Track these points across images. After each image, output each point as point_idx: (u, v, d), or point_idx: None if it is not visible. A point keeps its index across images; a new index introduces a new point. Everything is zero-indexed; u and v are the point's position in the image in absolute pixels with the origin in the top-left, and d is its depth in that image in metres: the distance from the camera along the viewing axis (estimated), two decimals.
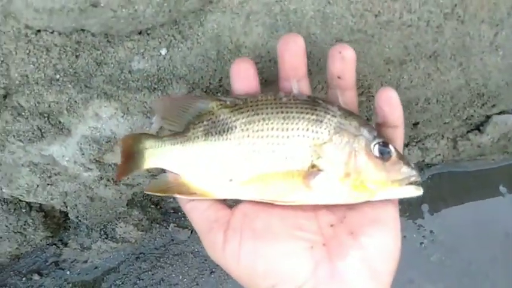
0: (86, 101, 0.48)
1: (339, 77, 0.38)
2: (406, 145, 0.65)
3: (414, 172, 0.37)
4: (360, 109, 0.51)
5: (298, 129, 0.37)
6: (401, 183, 0.36)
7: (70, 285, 0.69)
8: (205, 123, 0.39)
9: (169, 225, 0.70)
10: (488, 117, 0.63)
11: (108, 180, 0.57)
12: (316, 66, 0.49)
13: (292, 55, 0.38)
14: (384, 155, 0.36)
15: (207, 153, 0.38)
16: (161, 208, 0.70)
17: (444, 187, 0.68)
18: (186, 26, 0.45)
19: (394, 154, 0.36)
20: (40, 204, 0.61)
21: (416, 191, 0.37)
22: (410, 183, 0.37)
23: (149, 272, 0.69)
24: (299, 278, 0.33)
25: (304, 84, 0.40)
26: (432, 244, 0.65)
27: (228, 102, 0.39)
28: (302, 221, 0.37)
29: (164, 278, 0.68)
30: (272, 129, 0.37)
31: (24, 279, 0.70)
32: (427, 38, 0.49)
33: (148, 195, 0.66)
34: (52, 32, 0.43)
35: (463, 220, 0.66)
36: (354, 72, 0.39)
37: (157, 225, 0.70)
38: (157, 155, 0.40)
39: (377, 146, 0.36)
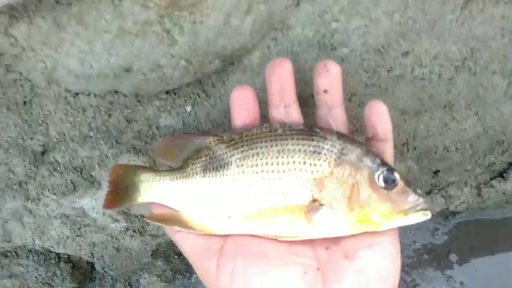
0: (117, 155, 0.51)
1: (325, 91, 0.38)
2: (428, 193, 0.65)
3: (421, 200, 0.35)
4: None
5: (294, 162, 0.36)
6: (407, 212, 0.35)
7: None
8: (203, 158, 0.39)
9: (192, 276, 0.71)
10: (510, 164, 0.62)
11: (134, 231, 0.59)
12: None
13: (279, 79, 0.38)
14: (389, 183, 0.35)
15: (205, 190, 0.38)
16: (184, 259, 0.71)
17: (471, 236, 0.66)
18: (210, 85, 0.49)
19: (399, 182, 0.35)
20: (68, 255, 0.63)
21: (424, 217, 0.35)
22: (418, 211, 0.35)
23: None
24: None
25: (294, 110, 0.40)
26: None
27: (224, 138, 0.39)
28: (297, 245, 0.36)
29: None
30: (267, 164, 0.36)
31: None
32: (440, 90, 0.50)
33: (172, 246, 0.67)
34: (89, 95, 0.47)
35: (494, 270, 0.63)
36: (341, 88, 0.39)
37: (181, 276, 0.70)
38: (154, 190, 0.40)
39: (382, 175, 0.35)
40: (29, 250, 0.60)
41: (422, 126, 0.54)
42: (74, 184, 0.52)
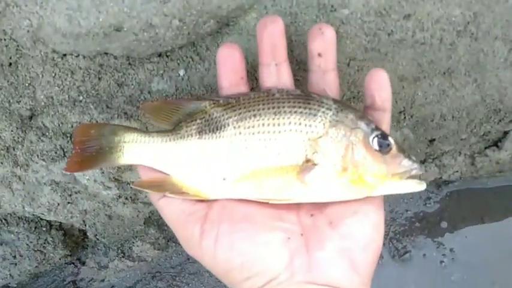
0: (107, 120, 0.50)
1: (319, 55, 0.38)
2: (422, 162, 0.65)
3: (416, 165, 0.35)
4: None
5: (290, 123, 0.36)
6: (402, 176, 0.35)
7: None
8: (198, 121, 0.38)
9: None
10: (506, 133, 0.62)
11: (126, 198, 0.58)
12: None
13: (270, 36, 0.37)
14: (383, 147, 0.35)
15: (200, 151, 0.37)
16: None
17: (463, 204, 0.67)
18: (204, 48, 0.47)
19: (394, 147, 0.35)
20: (60, 222, 0.62)
21: (419, 186, 0.35)
22: (412, 177, 0.35)
23: None
24: (274, 270, 0.33)
25: (285, 69, 0.39)
26: (453, 263, 0.64)
27: (221, 101, 0.38)
28: (282, 210, 0.36)
29: None
30: (263, 125, 0.36)
31: None
32: (440, 56, 0.49)
33: None
34: (77, 56, 0.45)
35: (484, 238, 0.65)
36: (335, 52, 0.38)
37: (174, 244, 0.70)
38: (143, 151, 0.38)
39: (376, 138, 0.35)
40: (19, 217, 0.59)
41: (421, 94, 0.53)
42: (63, 150, 0.51)
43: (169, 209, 0.38)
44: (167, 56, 0.48)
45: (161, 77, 0.49)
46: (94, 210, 0.59)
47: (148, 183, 0.39)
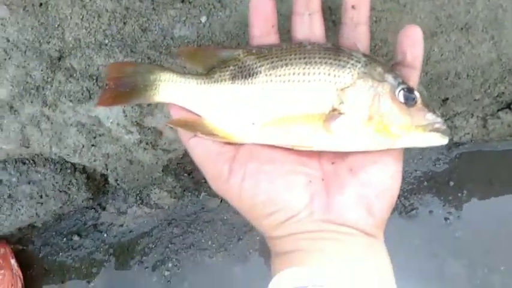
0: None
1: (353, 7, 0.38)
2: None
3: (440, 119, 0.36)
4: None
5: (319, 73, 0.37)
6: (425, 128, 0.36)
7: (107, 246, 0.74)
8: (231, 68, 0.39)
9: (200, 194, 0.74)
10: None
11: (147, 143, 0.61)
12: None
13: None
14: (409, 101, 0.36)
15: (232, 96, 0.39)
16: (193, 178, 0.74)
17: (472, 166, 0.68)
18: None
19: (419, 100, 0.36)
20: (83, 166, 0.66)
21: (442, 139, 0.36)
22: (436, 131, 0.36)
23: (180, 237, 0.72)
24: (294, 208, 0.36)
25: (317, 19, 0.40)
26: (458, 220, 0.65)
27: (254, 51, 0.40)
28: (304, 157, 0.38)
29: (194, 243, 0.72)
30: (294, 73, 0.37)
31: (65, 239, 0.75)
32: (459, 10, 0.50)
33: (182, 163, 0.70)
34: None
35: (490, 199, 0.66)
36: (369, 5, 0.39)
37: (189, 194, 0.73)
38: (178, 91, 0.40)
39: (402, 91, 0.36)
40: (45, 159, 0.63)
41: (437, 50, 0.54)
42: (89, 92, 0.53)
43: (199, 148, 0.40)
44: (190, 3, 0.49)
45: (183, 23, 0.50)
46: (116, 154, 0.62)
47: (181, 122, 0.40)
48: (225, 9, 0.49)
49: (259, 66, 0.39)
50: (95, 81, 0.53)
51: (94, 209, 0.75)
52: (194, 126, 0.40)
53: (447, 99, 0.62)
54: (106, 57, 0.51)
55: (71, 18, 0.48)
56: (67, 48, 0.51)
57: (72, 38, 0.50)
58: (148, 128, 0.59)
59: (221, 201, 0.73)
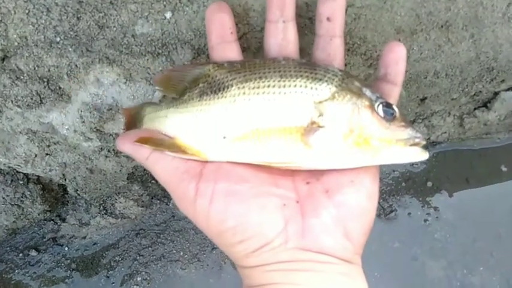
0: (87, 65, 0.47)
1: (328, 19, 0.37)
2: (412, 122, 0.64)
3: (419, 134, 0.35)
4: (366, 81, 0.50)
5: (295, 86, 0.36)
6: (406, 143, 0.35)
7: (68, 261, 0.68)
8: (200, 85, 0.39)
9: (169, 202, 0.69)
10: (496, 93, 0.62)
11: (108, 151, 0.56)
12: None
13: None
14: (388, 115, 0.35)
15: (200, 112, 0.38)
16: (161, 184, 0.69)
17: (449, 165, 0.67)
18: None
19: (398, 115, 0.35)
20: (38, 176, 0.60)
21: (422, 154, 0.35)
22: (416, 145, 0.35)
23: (149, 248, 0.68)
24: (268, 235, 0.33)
25: (291, 28, 0.38)
26: (436, 221, 0.65)
27: (225, 65, 0.38)
28: (277, 176, 0.36)
29: (165, 254, 0.67)
30: (269, 86, 0.36)
31: (21, 255, 0.69)
32: (439, 7, 0.47)
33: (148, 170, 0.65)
34: None
35: (468, 198, 0.66)
36: (343, 18, 0.38)
37: (158, 201, 0.69)
38: (153, 119, 0.41)
39: (381, 105, 0.35)
40: None
41: (416, 48, 0.52)
42: (40, 96, 0.48)
43: (160, 166, 0.37)
44: None
45: (146, 19, 0.45)
46: (74, 163, 0.56)
47: (144, 139, 0.38)
48: (192, 4, 0.45)
49: (231, 80, 0.37)
50: (46, 83, 0.47)
51: (53, 220, 0.69)
52: (161, 143, 0.38)
53: (425, 98, 0.60)
54: (58, 57, 0.46)
55: (14, 13, 0.42)
56: (12, 47, 0.44)
57: (17, 35, 0.44)
58: (110, 135, 0.53)
59: None
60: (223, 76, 0.37)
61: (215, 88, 0.37)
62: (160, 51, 0.47)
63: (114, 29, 0.45)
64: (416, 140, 0.35)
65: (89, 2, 0.43)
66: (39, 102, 0.48)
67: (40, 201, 0.61)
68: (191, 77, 0.40)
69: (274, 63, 0.37)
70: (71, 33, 0.45)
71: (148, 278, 0.66)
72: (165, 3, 0.45)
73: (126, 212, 0.68)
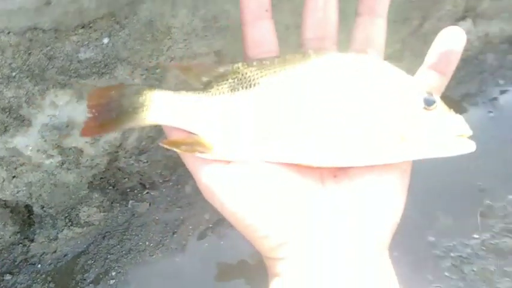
0: (43, 91, 0.56)
1: None
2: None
3: (464, 125, 0.33)
4: None
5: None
6: (450, 134, 0.33)
7: (43, 276, 0.74)
8: (230, 80, 0.36)
9: (128, 203, 0.78)
10: None
11: (69, 163, 0.64)
12: None
13: None
14: (429, 105, 0.33)
15: (232, 108, 0.36)
16: (118, 189, 0.78)
17: None
18: (123, 17, 0.55)
19: (440, 105, 0.33)
20: (5, 201, 0.66)
21: (468, 146, 0.33)
22: (462, 136, 0.33)
23: (118, 246, 0.76)
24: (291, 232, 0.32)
25: (333, 5, 0.35)
26: None
27: (254, 63, 0.36)
28: (306, 170, 0.34)
29: (132, 247, 0.76)
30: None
31: None
32: None
33: (105, 177, 0.74)
34: (8, 33, 0.50)
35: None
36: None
37: (118, 205, 0.77)
38: (170, 110, 0.36)
39: (422, 95, 0.33)
40: None
41: None
42: (4, 124, 0.55)
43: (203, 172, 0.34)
44: (90, 27, 0.55)
45: (87, 46, 0.56)
46: (39, 181, 0.64)
47: (178, 143, 0.36)
48: (124, 29, 0.56)
49: (262, 77, 0.35)
50: (8, 113, 0.55)
51: (21, 243, 0.74)
52: (192, 145, 0.36)
53: None
54: (16, 89, 0.54)
55: None
56: None
57: None
58: (70, 148, 0.62)
59: (149, 204, 0.79)
60: (253, 73, 0.36)
61: (246, 84, 0.36)
62: (104, 70, 0.58)
63: (61, 58, 0.55)
64: (460, 131, 0.33)
65: (38, 39, 0.53)
66: (4, 130, 0.56)
67: (11, 223, 0.67)
68: (217, 72, 0.37)
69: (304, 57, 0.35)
70: (24, 67, 0.54)
71: (122, 271, 0.75)
72: (101, 31, 0.56)
73: (91, 219, 0.76)
